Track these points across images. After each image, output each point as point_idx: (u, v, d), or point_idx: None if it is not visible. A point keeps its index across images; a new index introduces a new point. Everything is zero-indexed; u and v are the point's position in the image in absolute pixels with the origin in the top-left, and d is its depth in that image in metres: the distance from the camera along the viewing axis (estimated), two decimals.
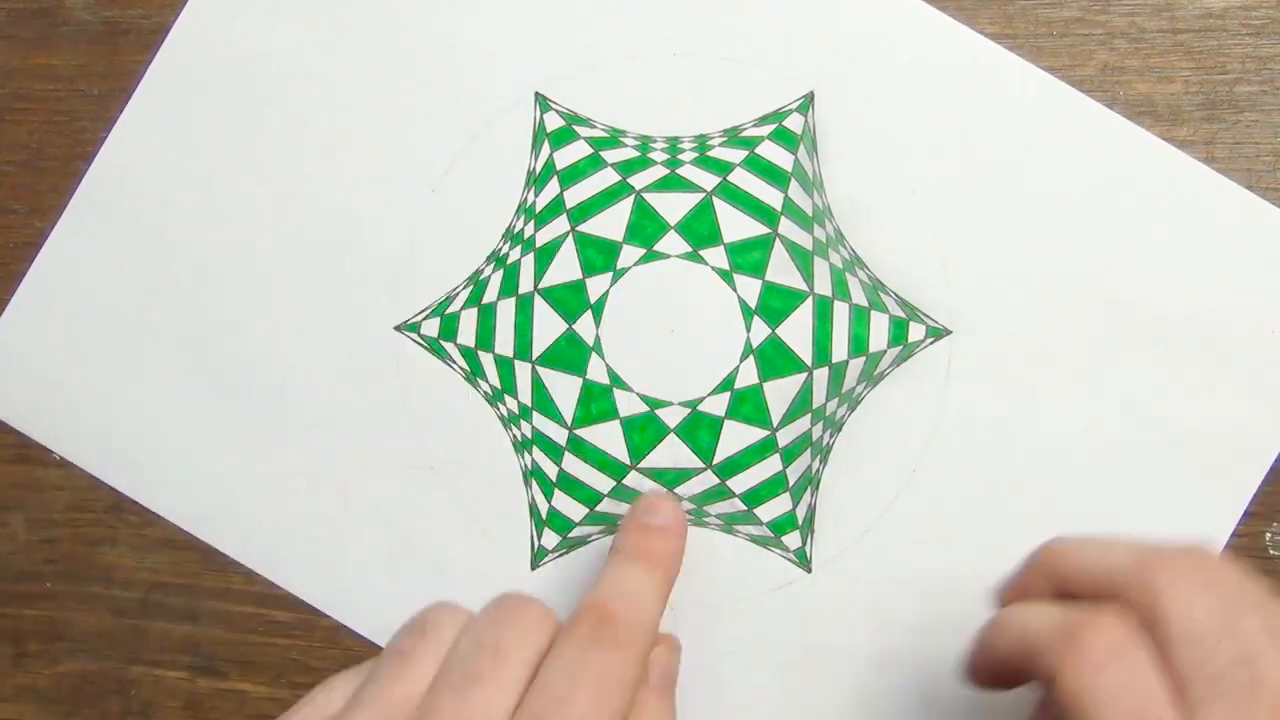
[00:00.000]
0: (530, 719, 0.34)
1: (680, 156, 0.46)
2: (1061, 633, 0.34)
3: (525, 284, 0.45)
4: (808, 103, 0.46)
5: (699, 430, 0.44)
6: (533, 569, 0.47)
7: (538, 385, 0.45)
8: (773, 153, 0.45)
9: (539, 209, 0.46)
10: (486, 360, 0.46)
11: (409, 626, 0.37)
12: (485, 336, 0.46)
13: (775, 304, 0.44)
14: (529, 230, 0.46)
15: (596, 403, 0.45)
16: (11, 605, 0.48)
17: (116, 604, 0.48)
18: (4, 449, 0.48)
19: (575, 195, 0.46)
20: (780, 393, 0.44)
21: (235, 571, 0.48)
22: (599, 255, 0.45)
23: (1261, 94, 0.46)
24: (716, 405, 0.44)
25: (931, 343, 0.46)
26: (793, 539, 0.46)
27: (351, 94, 0.47)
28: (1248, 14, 0.46)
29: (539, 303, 0.45)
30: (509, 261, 0.46)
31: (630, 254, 0.45)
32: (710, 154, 0.46)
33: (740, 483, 0.45)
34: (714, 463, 0.45)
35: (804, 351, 0.44)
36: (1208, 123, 0.46)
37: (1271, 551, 0.45)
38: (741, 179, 0.45)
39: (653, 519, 0.42)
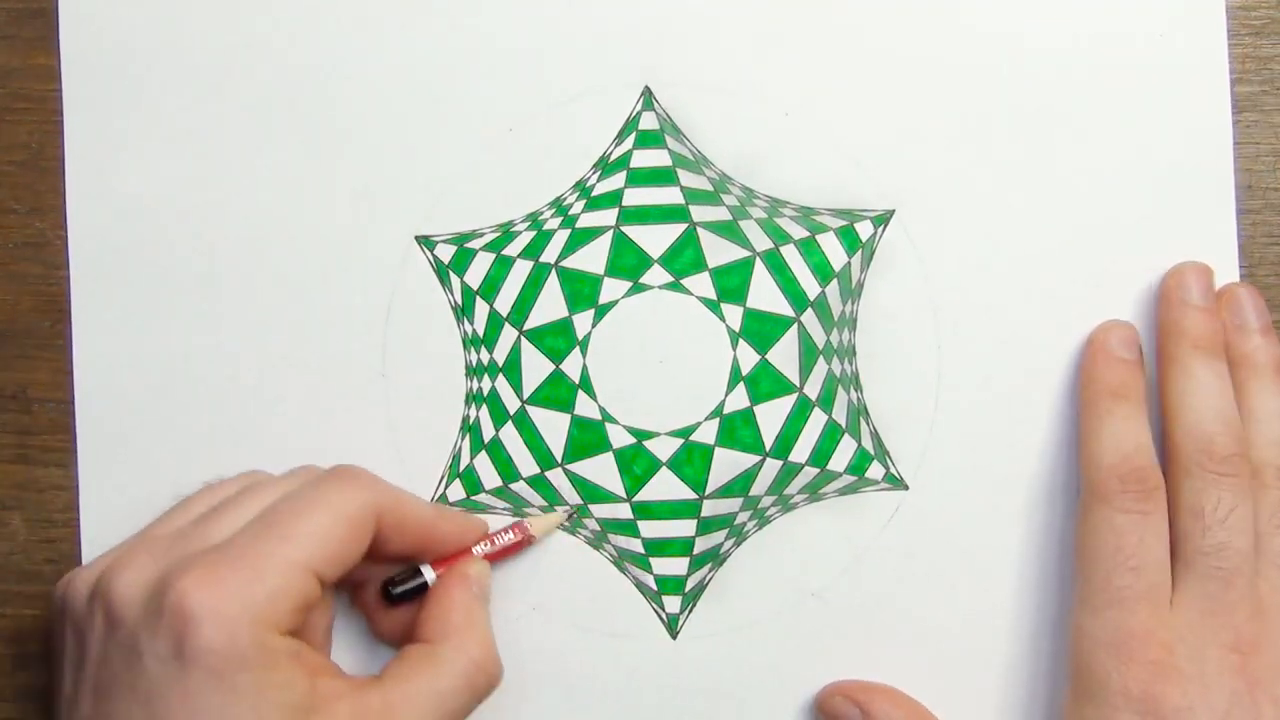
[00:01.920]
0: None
1: (749, 209, 0.46)
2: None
3: (549, 254, 0.45)
4: (884, 218, 0.46)
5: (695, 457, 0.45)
6: None
7: (514, 352, 0.45)
8: (831, 246, 0.45)
9: (595, 193, 0.46)
10: (480, 308, 0.46)
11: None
12: (490, 286, 0.46)
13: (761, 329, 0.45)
14: (577, 208, 0.46)
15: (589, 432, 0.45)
16: (11, 605, 0.48)
17: None
18: (4, 449, 0.48)
19: (635, 197, 0.46)
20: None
21: None
22: (633, 256, 0.45)
23: (1261, 94, 0.46)
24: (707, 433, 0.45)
25: (885, 489, 0.46)
26: (672, 603, 0.46)
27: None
28: (1248, 14, 0.46)
29: (552, 279, 0.45)
30: (544, 227, 0.46)
31: (657, 274, 0.45)
32: (777, 220, 0.45)
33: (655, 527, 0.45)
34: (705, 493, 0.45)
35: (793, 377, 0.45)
36: None
37: None
38: (791, 255, 0.45)
39: None
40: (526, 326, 0.45)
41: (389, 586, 0.43)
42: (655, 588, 0.46)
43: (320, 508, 0.40)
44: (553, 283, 0.45)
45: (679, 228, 0.45)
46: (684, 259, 0.45)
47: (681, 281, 0.45)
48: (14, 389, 0.48)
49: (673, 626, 0.46)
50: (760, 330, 0.45)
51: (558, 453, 0.45)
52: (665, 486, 0.45)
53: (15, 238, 0.48)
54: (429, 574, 0.43)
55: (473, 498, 0.46)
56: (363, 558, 0.41)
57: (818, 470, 0.45)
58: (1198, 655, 0.40)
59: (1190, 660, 0.40)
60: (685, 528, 0.45)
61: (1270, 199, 0.46)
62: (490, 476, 0.46)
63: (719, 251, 0.45)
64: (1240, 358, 0.44)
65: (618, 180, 0.46)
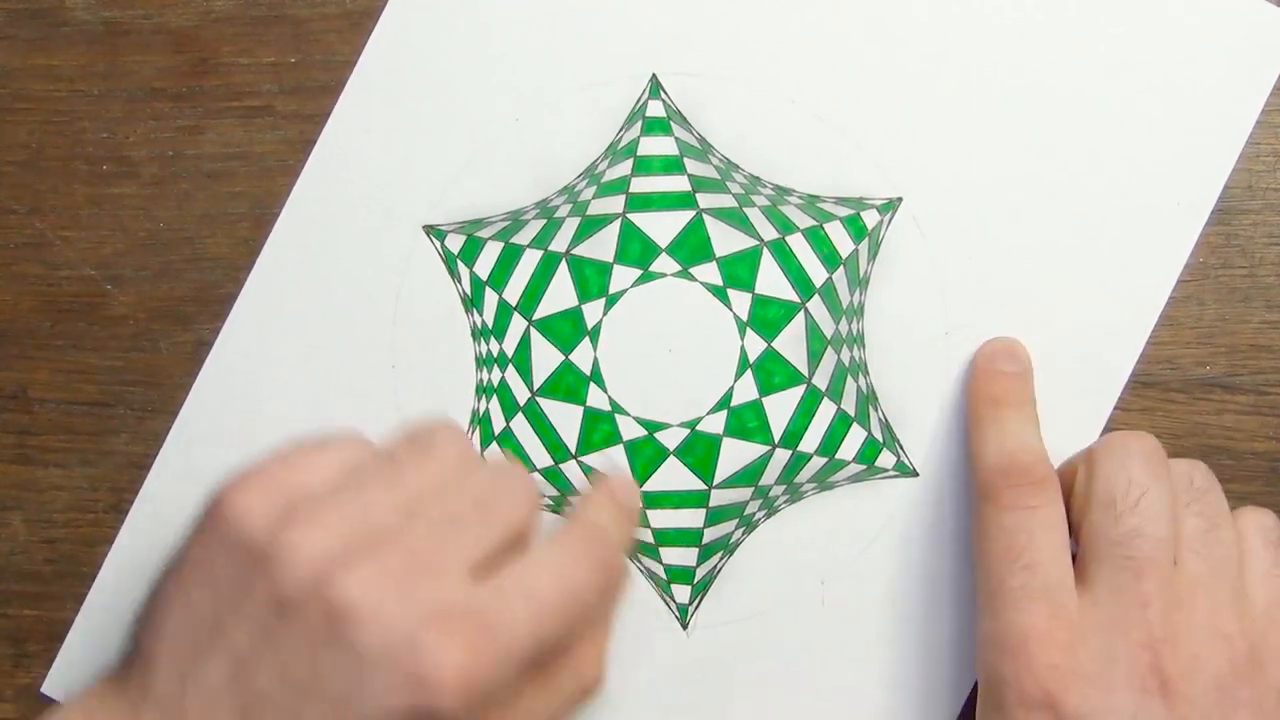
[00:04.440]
0: (496, 591, 0.34)
1: (754, 197, 0.46)
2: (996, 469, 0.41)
3: (559, 243, 0.45)
4: (891, 206, 0.46)
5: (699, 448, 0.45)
6: None
7: (524, 342, 0.45)
8: (838, 235, 0.45)
9: (605, 179, 0.46)
10: (490, 298, 0.46)
11: (413, 435, 0.37)
12: (499, 276, 0.46)
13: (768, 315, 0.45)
14: (587, 194, 0.46)
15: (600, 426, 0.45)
16: (11, 605, 0.48)
17: None
18: (4, 449, 0.48)
19: (642, 184, 0.46)
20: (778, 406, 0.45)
21: None
22: (641, 247, 0.45)
23: None
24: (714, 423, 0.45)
25: (895, 477, 0.46)
26: (681, 591, 0.46)
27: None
28: None
29: (562, 268, 0.45)
30: (555, 215, 0.46)
31: (667, 262, 0.45)
32: (782, 208, 0.45)
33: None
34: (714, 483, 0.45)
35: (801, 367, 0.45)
36: None
37: None
38: (797, 244, 0.45)
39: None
40: (536, 316, 0.45)
41: None
42: (666, 577, 0.46)
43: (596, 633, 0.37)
44: (563, 271, 0.45)
45: (687, 215, 0.45)
46: (691, 246, 0.45)
47: (690, 270, 0.45)
48: (14, 389, 0.48)
49: (683, 616, 0.46)
50: (767, 318, 0.45)
51: (571, 444, 0.45)
52: (674, 477, 0.45)
53: (15, 238, 0.48)
54: None
55: None
56: None
57: (827, 459, 0.45)
58: (1104, 655, 0.38)
59: (1094, 661, 0.38)
60: (694, 518, 0.45)
61: (1270, 199, 0.46)
62: None
63: (726, 239, 0.45)
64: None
65: (625, 168, 0.46)
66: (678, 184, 0.45)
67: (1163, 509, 0.39)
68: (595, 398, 0.45)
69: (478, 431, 0.46)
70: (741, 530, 0.46)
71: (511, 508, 0.36)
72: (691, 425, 0.45)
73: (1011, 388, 0.43)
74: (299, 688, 0.33)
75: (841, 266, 0.45)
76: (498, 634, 0.33)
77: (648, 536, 0.46)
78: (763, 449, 0.45)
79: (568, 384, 0.45)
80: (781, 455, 0.45)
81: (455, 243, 0.46)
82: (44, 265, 0.48)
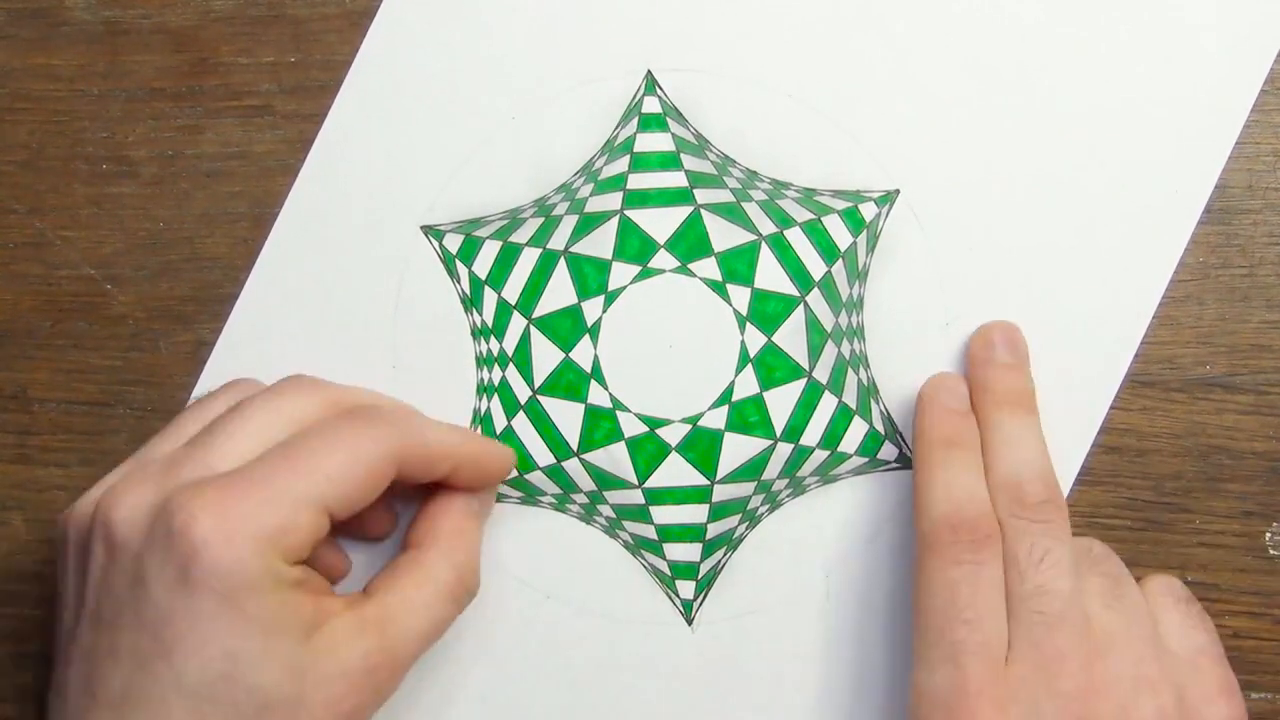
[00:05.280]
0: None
1: (751, 191, 0.46)
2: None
3: (557, 241, 0.45)
4: (888, 198, 0.46)
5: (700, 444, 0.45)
6: None
7: (524, 340, 0.45)
8: (836, 228, 0.45)
9: (602, 177, 0.46)
10: (489, 297, 0.46)
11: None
12: (498, 275, 0.46)
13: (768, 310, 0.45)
14: (584, 191, 0.46)
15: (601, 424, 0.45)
16: (11, 605, 0.48)
17: None
18: (4, 449, 0.48)
19: (639, 181, 0.46)
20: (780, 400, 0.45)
21: None
22: (640, 243, 0.45)
23: (1261, 94, 0.46)
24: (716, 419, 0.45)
25: (897, 469, 0.46)
26: (686, 587, 0.46)
27: None
28: None
29: (561, 265, 0.45)
30: (553, 212, 0.46)
31: (667, 258, 0.45)
32: (780, 202, 0.45)
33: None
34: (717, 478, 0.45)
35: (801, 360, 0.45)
36: None
37: (1271, 551, 0.45)
38: (796, 238, 0.45)
39: None
40: (535, 314, 0.45)
41: None
42: (670, 573, 0.46)
43: (341, 449, 0.39)
44: (561, 269, 0.45)
45: (684, 210, 0.45)
46: (689, 241, 0.45)
47: (688, 265, 0.45)
48: (14, 389, 0.48)
49: (688, 612, 0.46)
50: (766, 312, 0.45)
51: (573, 442, 0.45)
52: (676, 472, 0.45)
53: (15, 238, 0.48)
54: None
55: None
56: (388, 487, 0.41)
57: (829, 453, 0.45)
58: (1033, 711, 0.38)
59: (1024, 717, 0.38)
60: (697, 513, 0.45)
61: (1270, 199, 0.46)
62: None
63: (724, 234, 0.45)
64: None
65: (622, 164, 0.46)
66: (675, 180, 0.45)
67: (1067, 566, 0.40)
68: (596, 395, 0.45)
69: (479, 430, 0.46)
70: (745, 525, 0.46)
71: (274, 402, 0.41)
72: (693, 421, 0.45)
73: (961, 427, 0.43)
74: (123, 606, 0.37)
75: (840, 260, 0.45)
76: (252, 494, 0.37)
77: (651, 533, 0.46)
78: (765, 443, 0.45)
79: (568, 382, 0.45)
80: (784, 449, 0.45)
81: (454, 242, 0.46)
82: (44, 265, 0.48)
